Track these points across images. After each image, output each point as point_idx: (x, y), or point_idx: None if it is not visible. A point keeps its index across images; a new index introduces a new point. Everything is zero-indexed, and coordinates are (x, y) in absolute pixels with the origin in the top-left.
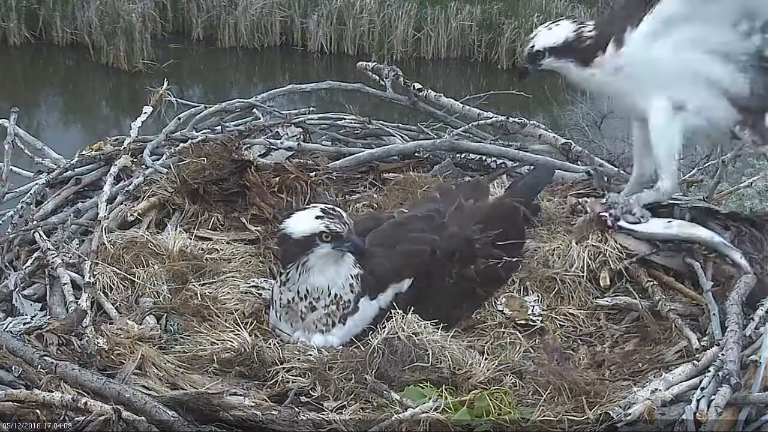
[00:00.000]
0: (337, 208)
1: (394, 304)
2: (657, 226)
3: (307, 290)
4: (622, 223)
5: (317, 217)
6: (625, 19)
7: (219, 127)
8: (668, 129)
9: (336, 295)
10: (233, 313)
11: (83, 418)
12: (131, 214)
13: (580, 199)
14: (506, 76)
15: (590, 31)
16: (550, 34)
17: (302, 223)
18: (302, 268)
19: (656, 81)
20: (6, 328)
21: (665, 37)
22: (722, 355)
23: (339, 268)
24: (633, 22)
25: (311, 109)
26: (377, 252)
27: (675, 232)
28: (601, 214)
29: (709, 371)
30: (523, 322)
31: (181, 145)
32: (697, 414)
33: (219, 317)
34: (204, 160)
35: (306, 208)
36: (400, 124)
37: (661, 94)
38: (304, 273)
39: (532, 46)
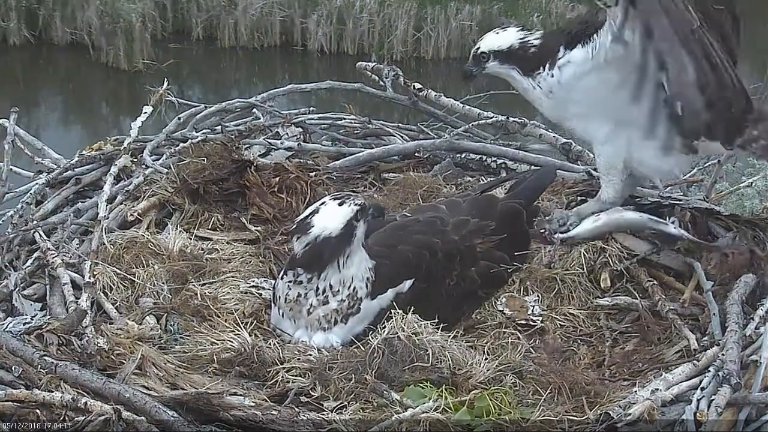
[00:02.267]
0: (336, 193)
1: (395, 304)
2: (587, 224)
3: (331, 284)
4: (557, 235)
5: (340, 204)
6: (563, 39)
7: (219, 127)
8: (610, 141)
9: (353, 289)
10: (233, 313)
11: (83, 418)
12: (131, 214)
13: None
14: None
15: (536, 40)
16: (496, 38)
17: (334, 217)
18: (343, 260)
19: (591, 108)
20: (6, 328)
21: (596, 71)
22: (722, 355)
23: (361, 256)
24: (568, 44)
25: (311, 109)
26: (378, 252)
27: (603, 223)
28: (540, 230)
29: (709, 371)
30: (523, 322)
31: (181, 145)
32: (698, 414)
33: (219, 317)
34: (204, 160)
35: (316, 211)
36: (400, 124)
37: (600, 118)
38: (345, 265)
39: (477, 48)
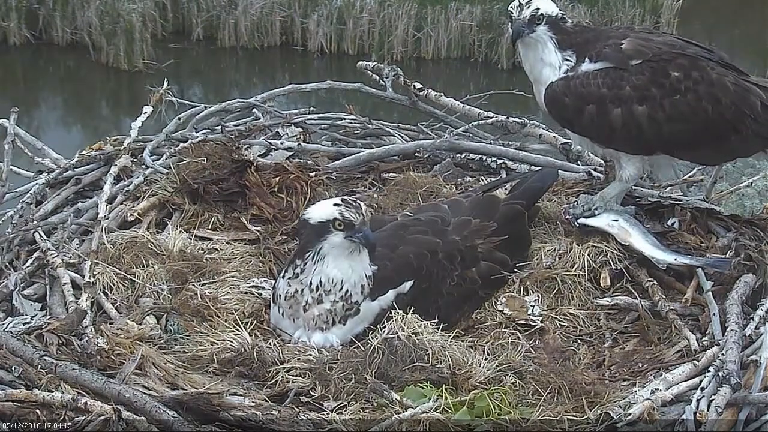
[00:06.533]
0: (358, 201)
1: (395, 304)
2: (601, 222)
3: (321, 281)
4: (581, 220)
5: (335, 205)
6: (593, 46)
7: (219, 127)
8: None
9: (347, 292)
10: (233, 313)
11: (83, 418)
12: (131, 214)
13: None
14: (506, 75)
15: (572, 21)
16: (550, 3)
17: (321, 209)
18: (317, 256)
19: None
20: (6, 328)
21: None
22: (722, 355)
23: (354, 264)
24: (592, 58)
25: (311, 109)
26: (380, 254)
27: (614, 232)
28: (566, 216)
29: (709, 371)
30: (523, 322)
31: (181, 145)
32: (697, 414)
33: (219, 317)
34: (204, 160)
35: (330, 198)
36: (400, 124)
37: None
38: (319, 262)
39: (537, 8)
